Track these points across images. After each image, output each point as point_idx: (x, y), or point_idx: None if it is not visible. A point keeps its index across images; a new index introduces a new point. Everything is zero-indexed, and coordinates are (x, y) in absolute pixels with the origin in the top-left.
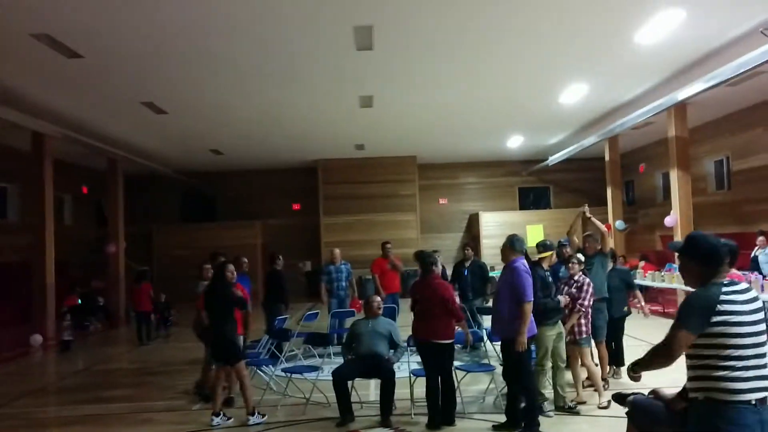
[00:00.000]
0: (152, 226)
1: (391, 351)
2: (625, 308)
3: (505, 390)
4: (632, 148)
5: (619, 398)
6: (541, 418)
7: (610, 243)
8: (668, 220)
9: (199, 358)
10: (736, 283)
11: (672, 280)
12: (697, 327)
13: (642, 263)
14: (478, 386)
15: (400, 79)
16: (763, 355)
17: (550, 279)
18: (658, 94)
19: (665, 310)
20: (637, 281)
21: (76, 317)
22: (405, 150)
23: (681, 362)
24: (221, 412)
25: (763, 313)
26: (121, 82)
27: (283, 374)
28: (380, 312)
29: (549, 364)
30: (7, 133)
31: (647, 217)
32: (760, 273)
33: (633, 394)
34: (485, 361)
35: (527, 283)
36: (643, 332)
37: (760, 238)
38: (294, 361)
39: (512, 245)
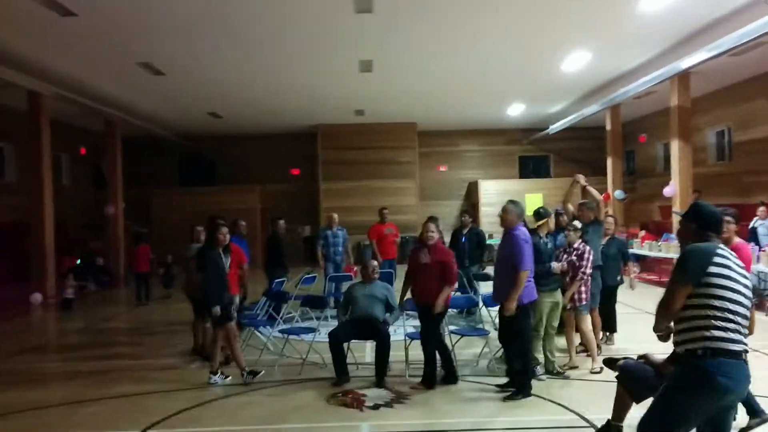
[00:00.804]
0: (151, 189)
1: (387, 314)
2: (619, 277)
3: (500, 354)
4: (633, 118)
5: (610, 363)
6: (533, 382)
7: (609, 211)
8: (667, 191)
9: None
10: (727, 249)
11: (669, 250)
12: (694, 276)
13: (642, 233)
14: (472, 350)
15: (400, 43)
16: (746, 316)
17: (549, 245)
18: (661, 63)
19: (661, 279)
20: (635, 251)
21: (84, 275)
22: (405, 116)
23: None
24: (219, 371)
25: (749, 283)
26: (116, 42)
27: (280, 335)
28: (377, 277)
29: (543, 330)
30: (2, 92)
31: (646, 187)
32: (757, 244)
33: (624, 358)
34: (480, 326)
35: (525, 252)
36: (636, 301)
37: (761, 209)
38: (291, 323)
39: (513, 211)
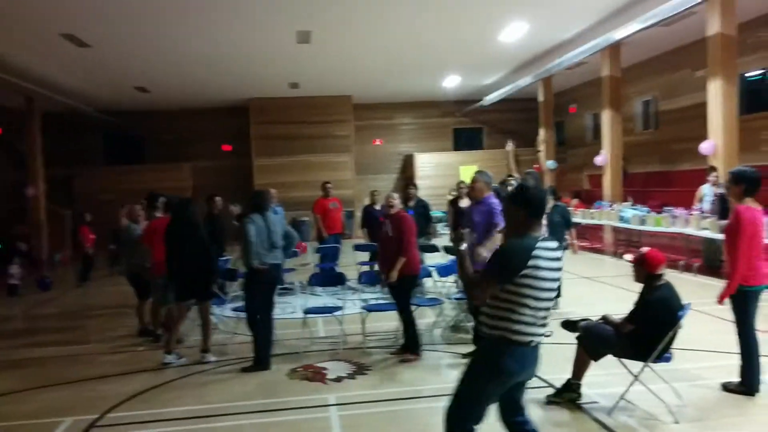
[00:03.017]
0: (74, 168)
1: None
2: (564, 242)
3: (453, 323)
4: (563, 89)
5: (567, 325)
6: None
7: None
8: (598, 159)
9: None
10: (547, 239)
11: (601, 217)
12: (505, 279)
13: (575, 201)
14: (423, 320)
15: (340, 13)
16: (548, 308)
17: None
18: (595, 34)
19: (593, 246)
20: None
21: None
22: (340, 89)
23: (625, 294)
24: (174, 351)
25: (559, 273)
26: (38, 11)
27: (233, 314)
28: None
29: None
30: None
31: (576, 157)
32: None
33: (583, 320)
34: (430, 296)
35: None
36: (574, 267)
37: (714, 174)
38: (239, 301)
39: (486, 181)
